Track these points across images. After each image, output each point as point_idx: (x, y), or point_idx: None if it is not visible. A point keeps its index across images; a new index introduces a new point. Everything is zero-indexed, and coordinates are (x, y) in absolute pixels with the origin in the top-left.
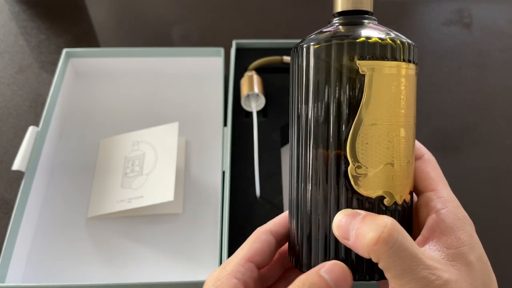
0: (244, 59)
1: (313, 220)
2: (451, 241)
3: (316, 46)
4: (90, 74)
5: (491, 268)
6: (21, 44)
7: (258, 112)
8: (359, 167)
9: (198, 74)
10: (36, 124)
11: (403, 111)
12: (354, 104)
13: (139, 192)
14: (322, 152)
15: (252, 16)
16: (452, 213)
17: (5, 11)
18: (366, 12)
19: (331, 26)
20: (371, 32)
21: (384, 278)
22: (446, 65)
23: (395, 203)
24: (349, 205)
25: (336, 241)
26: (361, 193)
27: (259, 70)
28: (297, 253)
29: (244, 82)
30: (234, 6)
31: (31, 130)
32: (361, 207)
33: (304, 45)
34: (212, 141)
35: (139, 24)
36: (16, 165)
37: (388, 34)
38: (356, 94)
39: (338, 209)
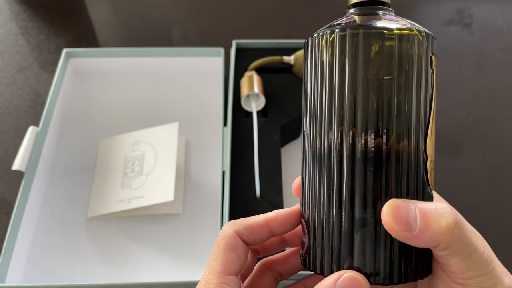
0: (244, 59)
1: (359, 219)
2: None
3: (373, 31)
4: (90, 74)
5: None
6: (21, 44)
7: (258, 112)
8: (431, 160)
9: (198, 74)
10: (36, 124)
11: None
12: (430, 99)
13: (139, 192)
14: (400, 144)
15: (252, 16)
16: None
17: (5, 11)
18: (383, 3)
19: (348, 16)
20: (414, 26)
21: (420, 277)
22: (446, 65)
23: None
24: (425, 199)
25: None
26: (430, 185)
27: (259, 70)
28: (321, 256)
29: (244, 82)
30: (234, 6)
31: (31, 130)
32: (427, 199)
33: (348, 32)
34: (212, 141)
35: (139, 24)
36: (16, 165)
37: (421, 28)
38: (430, 88)
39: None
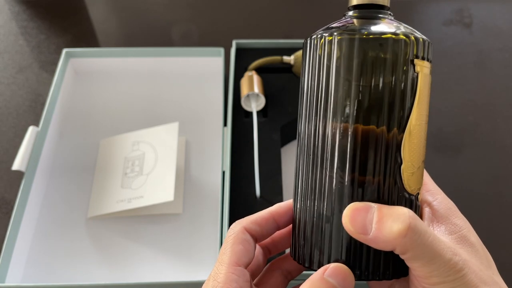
0: (244, 59)
1: (332, 217)
2: (450, 228)
3: (364, 37)
4: (90, 74)
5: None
6: (21, 44)
7: (258, 112)
8: (409, 165)
9: (198, 74)
10: (36, 124)
11: (428, 110)
12: (409, 103)
13: (139, 192)
14: (373, 145)
15: (252, 16)
16: (443, 204)
17: (5, 11)
18: (383, 7)
19: (347, 19)
20: (406, 30)
21: (397, 276)
22: (446, 65)
23: (420, 198)
24: (398, 203)
25: (351, 238)
26: (408, 191)
27: (259, 70)
28: (306, 250)
29: (244, 82)
30: (234, 6)
31: (31, 130)
32: (404, 204)
33: (345, 36)
34: (212, 141)
35: (139, 24)
36: (16, 165)
37: (415, 32)
38: (410, 93)
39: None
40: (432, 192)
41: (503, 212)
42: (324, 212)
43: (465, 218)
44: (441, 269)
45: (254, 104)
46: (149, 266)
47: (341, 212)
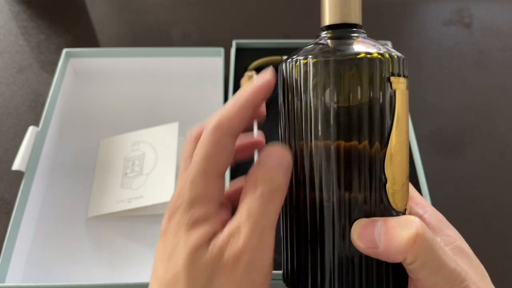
0: (244, 59)
1: (331, 242)
2: (445, 239)
3: (339, 59)
4: (90, 74)
5: None
6: (21, 44)
7: None
8: (394, 183)
9: (198, 74)
10: (36, 124)
11: (408, 126)
12: (390, 122)
13: (139, 192)
14: (353, 169)
15: (252, 16)
16: (434, 216)
17: (5, 11)
18: (355, 26)
19: (321, 39)
20: (380, 48)
21: None
22: (446, 65)
23: (409, 213)
24: None
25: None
26: (395, 208)
27: (259, 70)
28: (299, 275)
29: (244, 82)
30: (234, 6)
31: (31, 130)
32: None
33: (318, 59)
34: None
35: (139, 24)
36: (16, 165)
37: (391, 51)
38: (390, 111)
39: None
40: (421, 205)
41: (503, 212)
42: (314, 234)
43: (455, 229)
44: (446, 279)
45: None
46: (149, 266)
47: (330, 233)
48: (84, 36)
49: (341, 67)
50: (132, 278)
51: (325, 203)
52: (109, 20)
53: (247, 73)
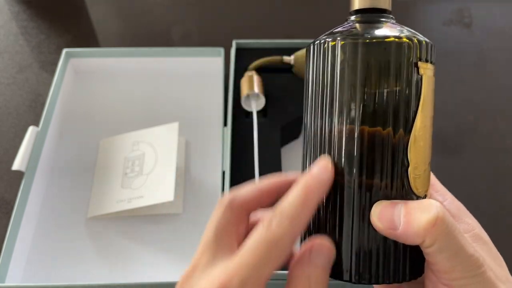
0: (244, 59)
1: (360, 227)
2: (464, 227)
3: (367, 42)
4: (90, 74)
5: None
6: (21, 44)
7: (258, 112)
8: (416, 167)
9: (198, 74)
10: (36, 124)
11: (433, 112)
12: (415, 107)
13: (139, 192)
14: (379, 151)
15: (252, 16)
16: (453, 204)
17: (5, 11)
18: (385, 11)
19: (350, 23)
20: (409, 33)
21: (414, 277)
22: (446, 65)
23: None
24: None
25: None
26: (415, 193)
27: (259, 70)
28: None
29: (244, 82)
30: (234, 6)
31: (31, 130)
32: None
33: (348, 41)
34: (212, 141)
35: (139, 24)
36: (16, 165)
37: (420, 36)
38: (416, 97)
39: None
40: (441, 193)
41: (503, 212)
42: (334, 217)
43: (474, 218)
44: (464, 263)
45: (254, 104)
46: (149, 266)
47: (350, 216)
48: (84, 36)
49: (369, 50)
50: (132, 278)
51: (346, 186)
52: (109, 20)
53: (247, 73)
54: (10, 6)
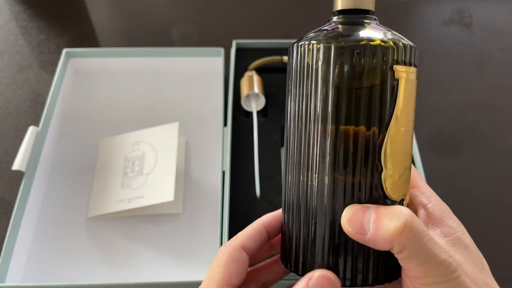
0: (244, 59)
1: (323, 223)
2: (445, 230)
3: (340, 45)
4: (90, 74)
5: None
6: (21, 44)
7: (258, 112)
8: (390, 171)
9: (198, 74)
10: (36, 124)
11: (413, 116)
12: (390, 110)
13: (139, 192)
14: (350, 157)
15: (252, 16)
16: (438, 206)
17: (5, 11)
18: (367, 11)
19: (332, 24)
20: (387, 35)
21: (389, 280)
22: (446, 65)
23: (407, 203)
24: None
25: (338, 244)
26: (390, 197)
27: (259, 70)
28: (296, 257)
29: (244, 82)
30: (234, 6)
31: (31, 130)
32: None
33: (322, 45)
34: (212, 141)
35: (139, 24)
36: (16, 165)
37: (401, 38)
38: (391, 100)
39: None
40: (426, 195)
41: (503, 212)
42: (308, 216)
43: (459, 221)
44: (435, 269)
45: (254, 104)
46: (149, 266)
47: (324, 215)
48: (84, 36)
49: (344, 53)
50: (132, 278)
51: (319, 185)
52: (109, 20)
53: (247, 73)
54: (10, 6)
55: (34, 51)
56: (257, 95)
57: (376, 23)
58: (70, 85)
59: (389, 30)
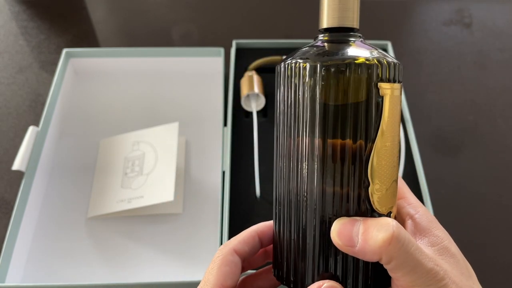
0: (244, 59)
1: (313, 236)
2: (432, 239)
3: (326, 64)
4: (90, 74)
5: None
6: (21, 44)
7: (258, 112)
8: (377, 186)
9: (198, 74)
10: (36, 124)
11: (399, 130)
12: (375, 126)
13: (139, 192)
14: (339, 172)
15: (252, 16)
16: (424, 216)
17: (5, 11)
18: (352, 29)
19: (318, 42)
20: (372, 53)
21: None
22: (446, 65)
23: (395, 215)
24: None
25: (335, 257)
26: (378, 211)
27: (259, 70)
28: (288, 268)
29: (244, 82)
30: (234, 6)
31: (31, 130)
32: None
33: (308, 64)
34: (212, 141)
35: (139, 24)
36: (16, 165)
37: (385, 56)
38: (376, 116)
39: None
40: (413, 206)
41: (503, 212)
42: (299, 229)
43: (445, 230)
44: (423, 278)
45: (254, 104)
46: (149, 266)
47: (313, 228)
48: (84, 36)
49: (329, 71)
50: (132, 278)
51: (308, 199)
52: (109, 20)
53: (247, 73)
54: (10, 6)
55: (34, 51)
56: (257, 95)
57: (361, 41)
58: (70, 85)
59: (374, 48)
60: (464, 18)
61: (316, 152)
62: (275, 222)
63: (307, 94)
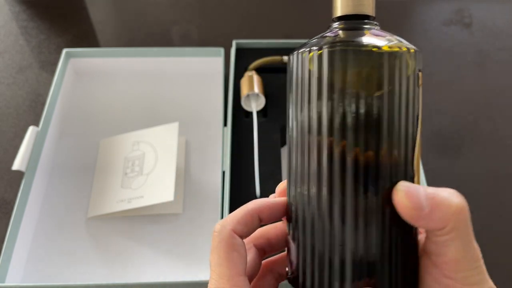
0: (244, 59)
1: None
2: None
3: (357, 50)
4: (90, 74)
5: None
6: (21, 44)
7: (258, 112)
8: (417, 178)
9: (198, 74)
10: (36, 124)
11: None
12: (418, 116)
13: (139, 192)
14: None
15: (252, 16)
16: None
17: (5, 11)
18: (368, 17)
19: (332, 30)
20: (399, 41)
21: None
22: (446, 65)
23: None
24: None
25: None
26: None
27: (259, 70)
28: (306, 277)
29: (244, 82)
30: (234, 6)
31: (31, 130)
32: None
33: (336, 49)
34: (212, 141)
35: (139, 24)
36: (16, 165)
37: (407, 44)
38: (417, 106)
39: (384, 221)
40: None
41: (503, 212)
42: (324, 234)
43: None
44: (470, 254)
45: (254, 104)
46: (149, 266)
47: (342, 242)
48: (84, 36)
49: (361, 58)
50: (132, 278)
51: (334, 202)
52: (109, 20)
53: (247, 73)
54: (11, 6)
55: (34, 51)
56: (257, 95)
57: (378, 29)
58: (70, 85)
59: (393, 36)
60: (464, 18)
61: (346, 160)
62: (291, 227)
63: (324, 83)
